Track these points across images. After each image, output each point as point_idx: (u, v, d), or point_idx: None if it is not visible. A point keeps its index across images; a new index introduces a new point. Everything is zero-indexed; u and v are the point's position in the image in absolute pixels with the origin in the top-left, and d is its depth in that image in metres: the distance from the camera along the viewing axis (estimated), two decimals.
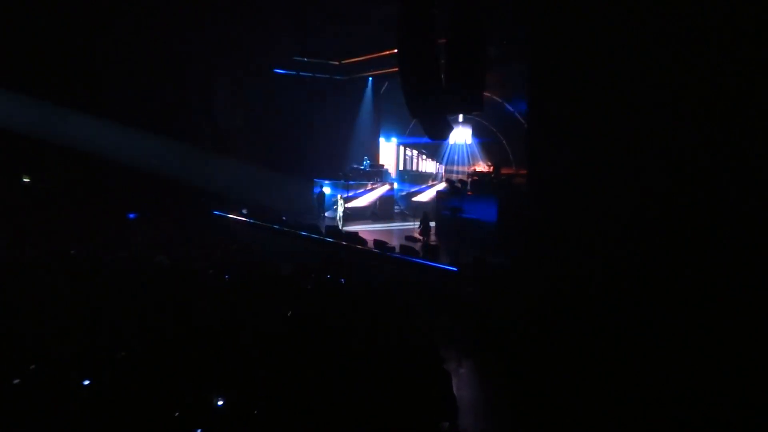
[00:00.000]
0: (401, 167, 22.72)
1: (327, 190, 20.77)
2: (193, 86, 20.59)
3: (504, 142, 18.93)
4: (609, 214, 9.41)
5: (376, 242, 14.47)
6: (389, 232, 19.00)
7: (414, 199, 21.48)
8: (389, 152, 22.96)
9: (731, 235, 7.21)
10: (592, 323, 7.98)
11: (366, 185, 21.20)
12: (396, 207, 21.49)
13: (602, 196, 9.59)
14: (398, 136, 22.31)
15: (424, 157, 21.88)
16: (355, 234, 15.62)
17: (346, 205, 18.78)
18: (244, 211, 19.72)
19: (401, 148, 22.59)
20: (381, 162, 22.25)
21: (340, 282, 10.30)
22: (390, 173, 22.20)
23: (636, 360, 6.55)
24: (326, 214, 19.43)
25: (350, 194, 20.14)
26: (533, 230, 10.94)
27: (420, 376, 5.57)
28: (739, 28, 7.81)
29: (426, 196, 20.56)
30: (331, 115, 22.61)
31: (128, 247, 13.42)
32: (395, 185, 21.79)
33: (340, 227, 18.02)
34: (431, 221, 16.43)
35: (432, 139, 13.79)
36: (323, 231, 16.27)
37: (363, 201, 20.92)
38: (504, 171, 17.57)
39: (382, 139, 23.04)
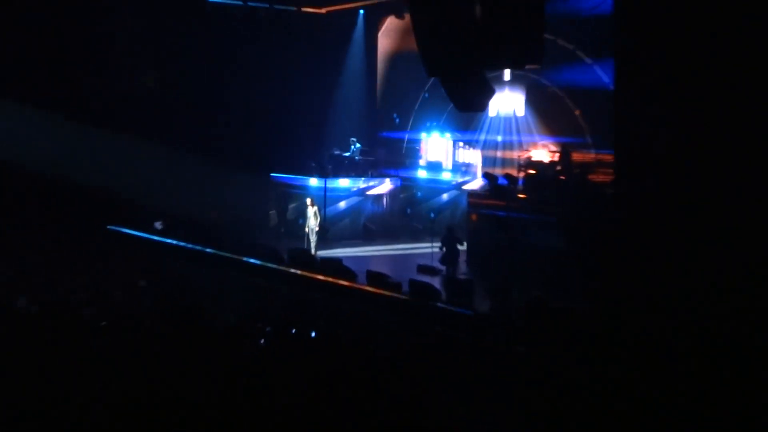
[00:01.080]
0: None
1: (309, 202, 20.93)
2: (73, 25, 20.46)
3: (577, 113, 19.09)
4: (746, 226, 9.28)
5: (371, 276, 14.41)
6: (392, 259, 19.16)
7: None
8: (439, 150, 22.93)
9: None
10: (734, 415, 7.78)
11: (357, 183, 21.28)
12: (411, 222, 21.47)
13: (733, 199, 9.47)
14: (453, 129, 22.46)
15: (462, 144, 22.44)
16: (337, 263, 15.63)
17: (320, 217, 18.89)
18: (160, 226, 19.87)
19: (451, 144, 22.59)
20: (433, 157, 22.41)
21: (310, 338, 10.40)
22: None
23: None
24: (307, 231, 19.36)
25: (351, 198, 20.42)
26: (626, 256, 10.82)
27: None
28: None
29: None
30: (296, 73, 22.60)
31: None
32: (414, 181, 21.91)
33: (312, 251, 18.20)
34: (460, 241, 16.40)
35: (461, 110, 13.71)
36: (285, 258, 16.33)
37: (350, 209, 21.07)
38: (576, 157, 17.80)
39: (424, 135, 23.15)
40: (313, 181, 20.81)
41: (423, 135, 22.92)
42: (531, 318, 11.49)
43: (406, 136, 23.71)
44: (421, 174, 22.54)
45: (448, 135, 22.37)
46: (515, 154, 19.98)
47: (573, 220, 14.73)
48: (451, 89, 14.36)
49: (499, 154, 21.24)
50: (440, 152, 22.54)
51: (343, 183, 21.26)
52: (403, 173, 22.64)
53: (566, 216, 14.89)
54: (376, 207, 21.82)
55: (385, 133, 24.02)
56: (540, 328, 11.09)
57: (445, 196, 21.91)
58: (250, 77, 22.25)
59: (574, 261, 14.35)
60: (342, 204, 21.09)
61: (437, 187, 22.07)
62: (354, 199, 21.38)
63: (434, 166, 22.54)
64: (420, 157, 22.87)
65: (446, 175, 22.18)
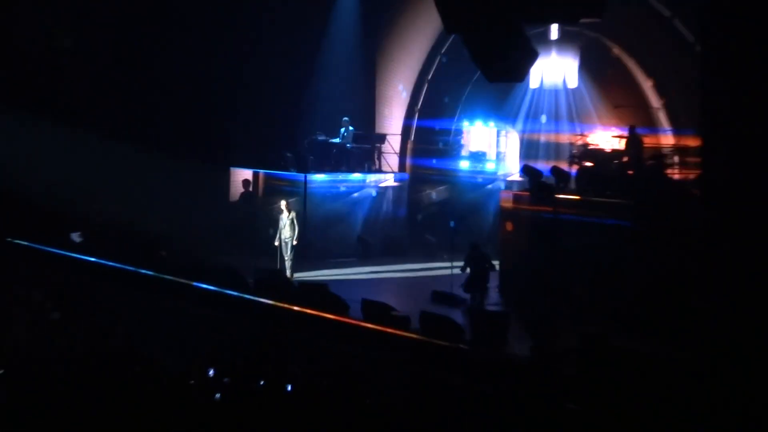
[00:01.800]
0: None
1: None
2: None
3: (649, 83, 19.26)
4: None
5: (369, 307, 14.48)
6: (397, 283, 19.29)
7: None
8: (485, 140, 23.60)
9: None
10: None
11: (348, 180, 21.54)
12: (422, 233, 21.79)
13: None
14: (497, 116, 22.86)
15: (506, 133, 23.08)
16: (322, 289, 15.71)
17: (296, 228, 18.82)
18: (78, 239, 20.05)
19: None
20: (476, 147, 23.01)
21: (284, 393, 10.50)
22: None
23: None
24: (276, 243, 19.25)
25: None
26: (726, 280, 10.73)
27: None
28: None
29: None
30: (264, 30, 22.60)
31: None
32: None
33: (287, 273, 18.39)
34: (489, 260, 16.38)
35: (492, 79, 13.62)
36: (251, 282, 16.40)
37: (340, 214, 21.26)
38: (649, 144, 17.81)
39: (467, 123, 23.72)
40: (320, 176, 21.02)
41: (465, 124, 23.67)
42: (586, 364, 11.52)
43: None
44: (464, 165, 23.28)
45: (492, 124, 23.08)
46: (565, 140, 19.92)
47: (646, 228, 14.81)
48: (477, 51, 14.24)
49: (542, 139, 21.23)
50: (484, 142, 23.43)
51: (329, 179, 21.34)
52: (438, 164, 23.26)
53: (637, 223, 14.94)
54: (376, 212, 21.80)
55: (411, 121, 24.46)
56: (598, 378, 11.16)
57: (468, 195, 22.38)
58: (199, 37, 22.14)
59: (647, 285, 14.42)
60: (329, 207, 21.15)
61: (474, 181, 22.55)
62: (347, 201, 21.41)
63: (477, 157, 23.17)
64: (462, 147, 23.52)
65: (491, 166, 22.88)
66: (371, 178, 21.94)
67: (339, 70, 23.67)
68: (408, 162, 23.93)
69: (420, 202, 22.90)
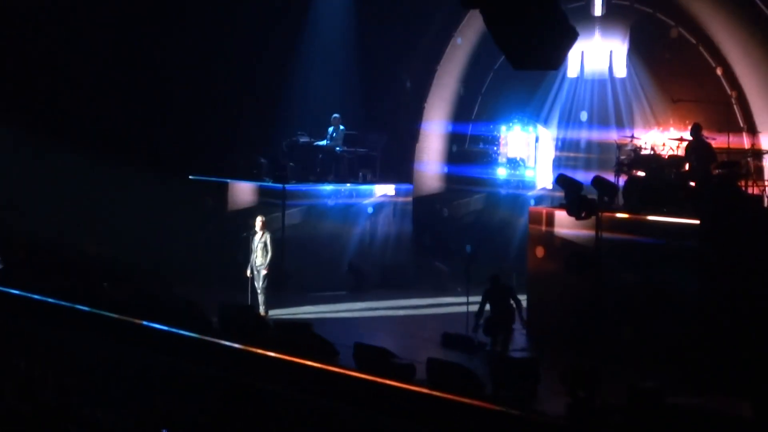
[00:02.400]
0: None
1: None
2: None
3: (719, 71, 19.17)
4: None
5: (362, 352, 14.49)
6: (398, 323, 19.25)
7: None
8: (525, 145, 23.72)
9: None
10: None
11: (337, 192, 21.62)
12: (430, 259, 21.87)
13: None
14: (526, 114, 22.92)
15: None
16: (304, 329, 15.78)
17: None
18: None
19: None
20: (514, 153, 23.09)
21: None
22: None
23: None
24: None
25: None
26: None
27: None
28: None
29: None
30: (234, 17, 22.71)
31: None
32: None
33: (260, 309, 18.44)
34: (514, 295, 16.34)
35: (518, 67, 13.72)
36: (215, 321, 16.43)
37: (331, 236, 21.34)
38: (717, 147, 17.56)
39: (505, 128, 23.67)
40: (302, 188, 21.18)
41: (503, 129, 23.62)
42: (636, 426, 11.51)
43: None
44: (501, 172, 23.34)
45: (531, 129, 23.15)
46: (611, 143, 19.93)
47: (713, 254, 14.79)
48: (500, 31, 14.39)
49: (582, 142, 21.35)
50: (522, 148, 23.50)
51: (314, 190, 21.46)
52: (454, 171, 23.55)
53: (703, 247, 14.95)
54: (372, 233, 21.93)
55: (417, 119, 24.65)
56: None
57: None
58: (153, 20, 22.51)
59: (715, 325, 14.38)
60: (313, 226, 21.21)
61: (513, 192, 22.66)
62: (335, 218, 21.51)
63: (514, 163, 23.34)
64: (498, 154, 23.54)
65: (530, 174, 22.95)
66: (366, 189, 22.00)
67: (326, 56, 23.75)
68: (415, 169, 24.04)
69: (428, 218, 23.03)
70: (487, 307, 16.04)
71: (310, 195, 21.43)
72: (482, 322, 16.07)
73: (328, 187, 21.65)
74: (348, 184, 21.82)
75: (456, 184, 24.09)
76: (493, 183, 23.33)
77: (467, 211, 23.05)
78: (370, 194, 22.04)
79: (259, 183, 21.33)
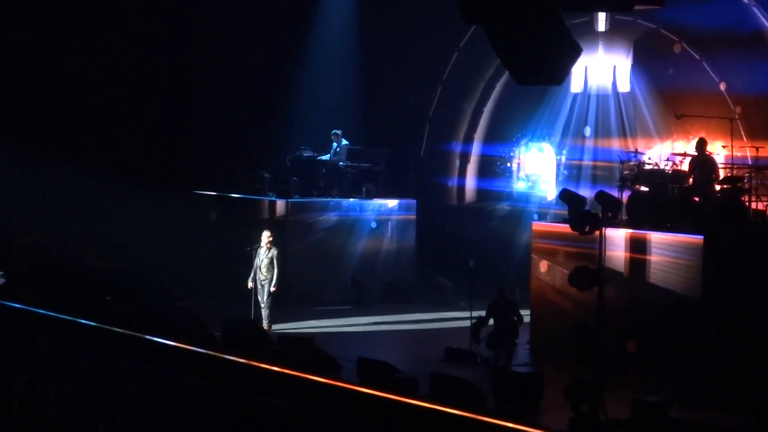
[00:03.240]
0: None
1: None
2: None
3: (722, 86, 19.12)
4: None
5: (365, 366, 14.47)
6: (401, 337, 19.34)
7: None
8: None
9: None
10: None
11: (340, 207, 21.67)
12: (432, 274, 21.93)
13: None
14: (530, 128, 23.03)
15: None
16: (307, 343, 15.77)
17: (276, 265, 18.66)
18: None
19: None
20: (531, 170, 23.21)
21: None
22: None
23: None
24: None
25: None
26: None
27: None
28: None
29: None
30: (237, 30, 22.82)
31: None
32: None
33: (263, 324, 18.44)
34: (517, 310, 16.38)
35: (522, 82, 13.73)
36: (218, 336, 16.38)
37: (334, 251, 21.41)
38: (721, 163, 17.60)
39: (524, 149, 23.78)
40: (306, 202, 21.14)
41: (522, 149, 23.76)
42: None
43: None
44: (520, 185, 23.45)
45: (544, 146, 23.26)
46: (615, 158, 19.90)
47: (717, 271, 14.77)
48: (504, 46, 14.38)
49: (586, 157, 21.36)
50: (539, 165, 23.63)
51: (317, 205, 21.44)
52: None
53: (707, 264, 14.89)
54: (375, 248, 21.91)
55: (421, 133, 24.77)
56: None
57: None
58: (159, 38, 22.54)
59: (718, 341, 14.41)
60: (317, 241, 21.24)
61: (526, 206, 22.76)
62: (339, 233, 21.54)
63: (528, 179, 23.53)
64: (512, 172, 23.70)
65: (545, 187, 22.96)
66: (370, 204, 21.99)
67: (329, 71, 23.76)
68: (418, 184, 24.01)
69: (431, 232, 23.00)
70: (491, 321, 16.13)
71: (313, 210, 21.39)
72: (485, 336, 16.09)
73: (331, 202, 21.72)
74: (351, 199, 21.83)
75: (461, 199, 24.10)
76: (509, 197, 23.38)
77: (471, 226, 22.98)
78: (374, 209, 22.00)
79: (262, 197, 21.25)
